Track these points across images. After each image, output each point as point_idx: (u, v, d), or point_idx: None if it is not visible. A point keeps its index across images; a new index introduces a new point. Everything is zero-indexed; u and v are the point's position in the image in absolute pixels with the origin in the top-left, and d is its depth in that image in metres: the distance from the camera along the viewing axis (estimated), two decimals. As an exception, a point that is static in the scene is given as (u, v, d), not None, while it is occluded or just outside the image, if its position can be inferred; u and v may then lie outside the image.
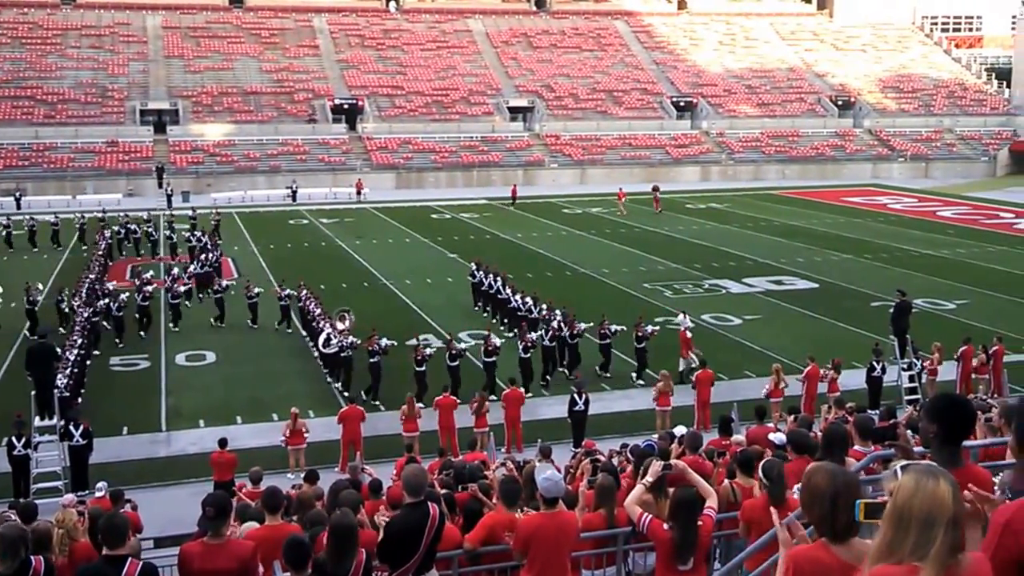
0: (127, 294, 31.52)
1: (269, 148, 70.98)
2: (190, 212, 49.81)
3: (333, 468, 19.58)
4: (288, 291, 31.98)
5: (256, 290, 32.68)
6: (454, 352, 24.67)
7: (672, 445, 13.57)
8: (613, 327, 26.61)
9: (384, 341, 24.95)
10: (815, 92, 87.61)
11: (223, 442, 18.70)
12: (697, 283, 38.18)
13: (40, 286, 34.05)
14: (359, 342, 25.18)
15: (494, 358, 24.87)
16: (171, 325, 31.77)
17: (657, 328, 27.13)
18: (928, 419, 5.01)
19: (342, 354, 24.90)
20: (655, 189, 60.61)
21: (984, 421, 12.69)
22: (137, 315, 31.09)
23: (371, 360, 24.57)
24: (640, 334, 26.11)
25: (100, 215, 49.92)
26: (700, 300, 34.97)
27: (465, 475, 12.56)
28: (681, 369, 26.14)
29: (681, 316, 28.29)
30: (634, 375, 26.14)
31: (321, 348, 25.32)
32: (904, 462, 4.23)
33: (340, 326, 25.95)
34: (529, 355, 25.28)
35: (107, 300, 30.57)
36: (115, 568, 6.79)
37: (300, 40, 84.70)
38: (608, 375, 26.29)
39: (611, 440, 19.42)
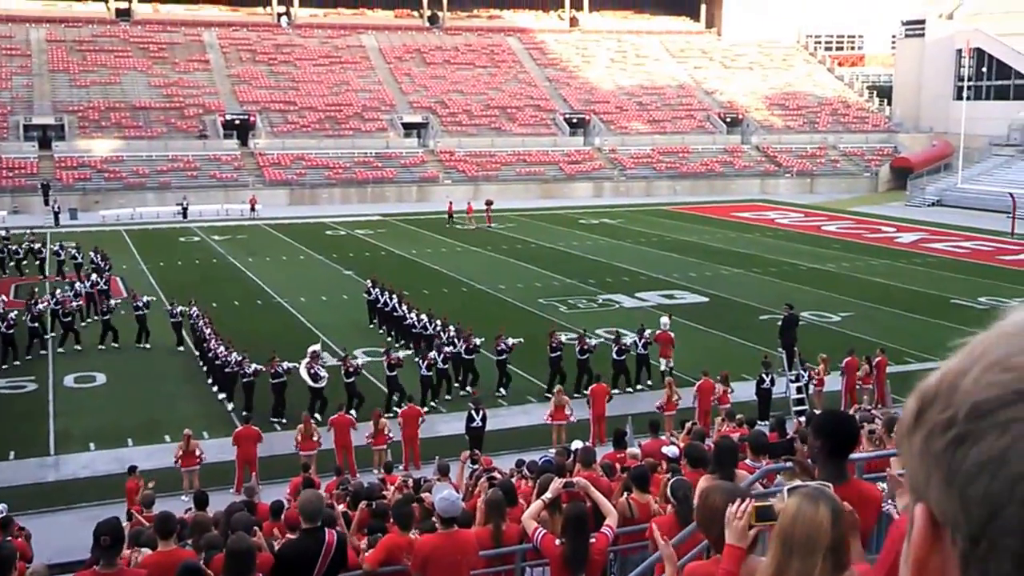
0: (15, 313, 30.61)
1: (159, 164, 69.62)
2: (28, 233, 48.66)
3: (228, 490, 19.37)
4: (180, 308, 31.49)
5: (145, 299, 32.04)
6: (351, 369, 24.58)
7: (568, 460, 13.76)
8: (509, 341, 26.78)
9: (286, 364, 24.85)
10: (704, 109, 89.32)
11: (132, 469, 18.37)
12: (591, 298, 38.62)
13: None
14: (360, 364, 25.15)
15: (396, 371, 24.83)
16: (66, 346, 30.92)
17: (519, 340, 27.41)
18: (814, 435, 5.23)
19: (348, 379, 24.37)
20: (488, 203, 60.67)
21: (867, 433, 13.16)
22: (28, 337, 30.26)
23: (273, 381, 24.34)
24: (553, 344, 26.37)
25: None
26: (594, 315, 35.38)
27: (362, 494, 12.56)
28: (663, 369, 27.03)
29: (665, 319, 29.25)
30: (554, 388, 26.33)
31: (312, 384, 24.37)
32: (794, 483, 4.41)
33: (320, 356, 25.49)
34: (431, 373, 25.38)
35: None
36: (5, 600, 6.67)
37: (190, 55, 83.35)
38: (504, 393, 26.42)
39: (508, 456, 19.57)
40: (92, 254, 41.73)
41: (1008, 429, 0.96)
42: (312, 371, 24.53)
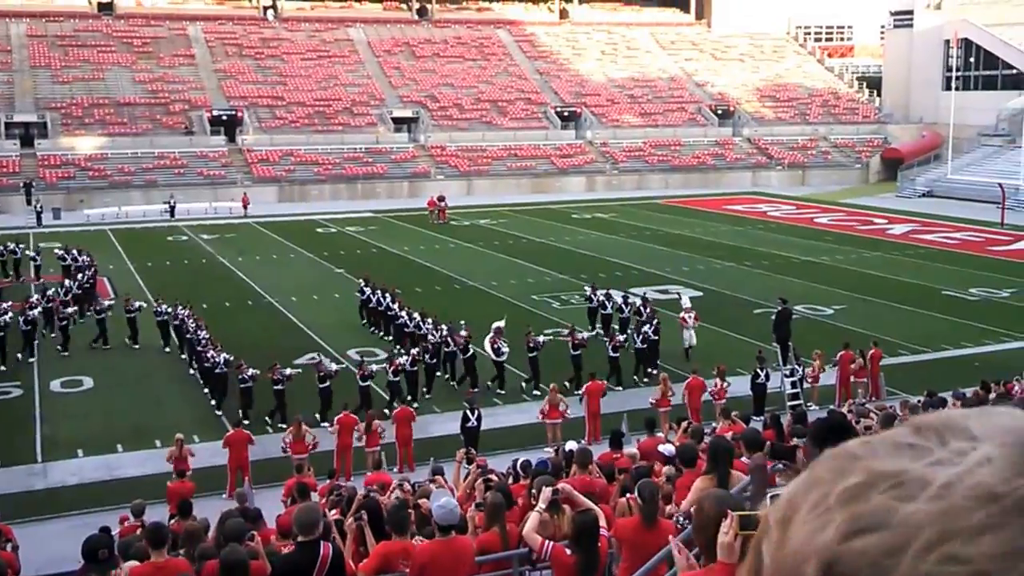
0: (10, 316, 30.19)
1: (144, 162, 69.07)
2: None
3: (221, 495, 19.13)
4: (165, 306, 31.18)
5: (136, 304, 31.73)
6: (367, 373, 24.39)
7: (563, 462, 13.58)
8: (540, 339, 26.74)
9: (287, 371, 24.64)
10: (695, 101, 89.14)
11: (181, 473, 18.01)
12: (584, 293, 38.35)
13: None
14: (374, 369, 25.10)
15: (399, 378, 24.68)
16: (59, 348, 30.56)
17: (549, 338, 27.39)
18: (812, 444, 5.11)
19: (363, 383, 24.30)
20: (440, 199, 60.10)
21: (863, 430, 12.98)
22: (23, 341, 29.89)
23: (276, 388, 24.05)
24: (531, 344, 26.19)
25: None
26: (586, 311, 35.13)
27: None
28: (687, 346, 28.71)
29: (685, 299, 31.23)
30: (524, 384, 26.27)
31: (495, 358, 26.03)
32: (776, 491, 4.33)
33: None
34: (416, 369, 25.24)
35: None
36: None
37: (175, 49, 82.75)
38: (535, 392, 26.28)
39: (505, 455, 19.36)
40: (74, 252, 40.95)
41: None
42: (495, 345, 25.72)
